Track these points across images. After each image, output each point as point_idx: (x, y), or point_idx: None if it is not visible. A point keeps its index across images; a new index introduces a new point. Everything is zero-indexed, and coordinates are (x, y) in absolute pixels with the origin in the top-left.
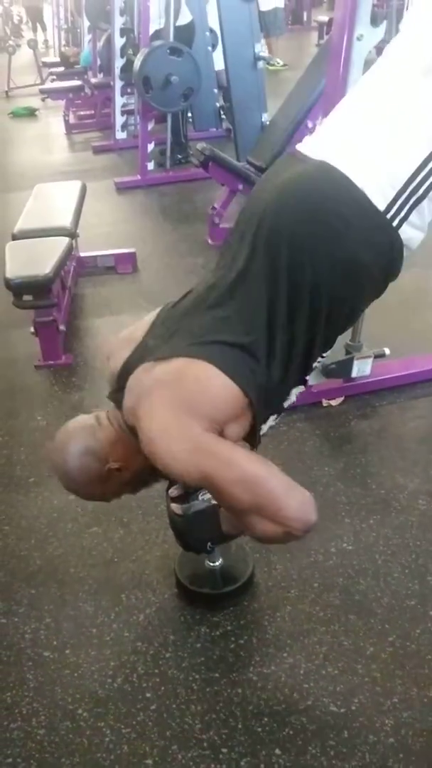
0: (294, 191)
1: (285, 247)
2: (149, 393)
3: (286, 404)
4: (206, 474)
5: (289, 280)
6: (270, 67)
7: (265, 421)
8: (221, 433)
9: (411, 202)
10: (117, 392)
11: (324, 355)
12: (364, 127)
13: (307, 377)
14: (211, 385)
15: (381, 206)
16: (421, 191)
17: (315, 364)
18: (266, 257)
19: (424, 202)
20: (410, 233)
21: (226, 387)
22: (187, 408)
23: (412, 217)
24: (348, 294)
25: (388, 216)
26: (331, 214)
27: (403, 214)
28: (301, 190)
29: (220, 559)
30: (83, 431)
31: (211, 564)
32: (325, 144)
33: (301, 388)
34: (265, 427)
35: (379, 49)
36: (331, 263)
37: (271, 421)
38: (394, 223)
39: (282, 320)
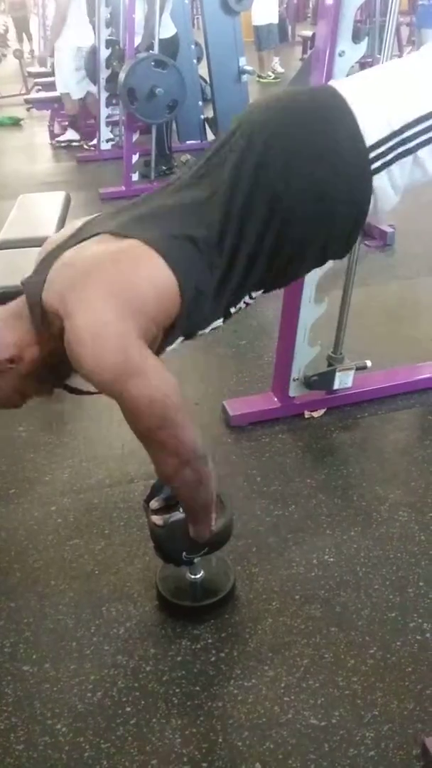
0: (288, 98)
1: (260, 143)
2: (87, 274)
3: (200, 332)
4: (126, 387)
5: (253, 178)
6: (261, 80)
7: (175, 339)
8: (144, 336)
9: (400, 149)
10: (35, 274)
11: (254, 295)
12: (376, 75)
13: (232, 310)
14: (156, 278)
15: (372, 139)
16: (413, 143)
17: (243, 303)
18: (240, 149)
19: (410, 158)
20: (385, 185)
21: (167, 280)
22: (127, 303)
23: (394, 167)
24: (303, 222)
25: (374, 154)
26: (316, 132)
27: (389, 158)
28: (295, 99)
29: (202, 572)
30: None
31: (193, 577)
32: (336, 80)
33: (219, 322)
34: (169, 348)
35: (361, 64)
36: (299, 178)
37: (176, 343)
38: (377, 164)
39: (234, 222)
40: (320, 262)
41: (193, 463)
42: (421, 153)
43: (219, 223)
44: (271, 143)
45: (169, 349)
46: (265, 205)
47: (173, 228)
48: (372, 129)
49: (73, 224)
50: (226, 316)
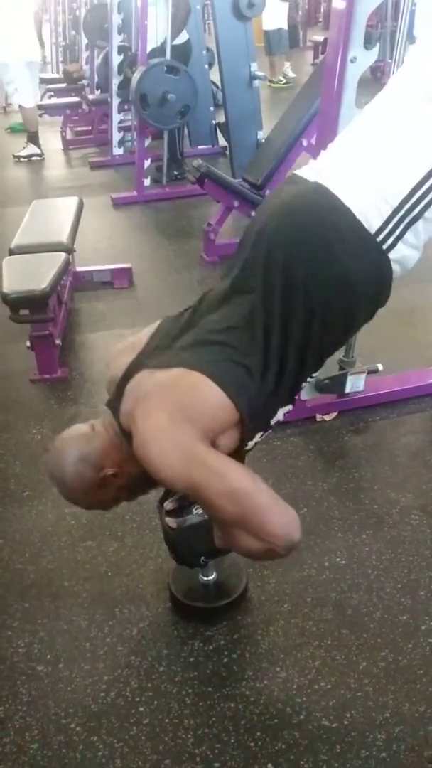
0: (288, 213)
1: (280, 264)
2: (147, 395)
3: (273, 422)
4: (195, 483)
5: (284, 298)
6: (272, 85)
7: (252, 437)
8: (212, 445)
9: (407, 220)
10: (115, 400)
11: (313, 375)
12: (361, 149)
13: (296, 396)
14: (207, 395)
15: (377, 224)
16: (417, 210)
17: (304, 384)
18: (262, 275)
19: (420, 222)
20: (405, 252)
21: (220, 400)
22: (183, 414)
23: (408, 235)
24: (339, 314)
25: (384, 233)
26: (321, 237)
27: (398, 232)
28: (295, 212)
29: (214, 574)
30: (78, 439)
31: (205, 578)
32: (321, 167)
33: (288, 407)
34: (251, 444)
35: (372, 69)
36: (323, 285)
37: (258, 437)
38: (390, 241)
39: (276, 336)
40: (370, 317)
41: (281, 550)
42: (429, 214)
43: (263, 343)
44: (289, 263)
45: (251, 444)
46: (300, 317)
47: (222, 355)
48: (373, 216)
49: (137, 342)
50: (292, 402)
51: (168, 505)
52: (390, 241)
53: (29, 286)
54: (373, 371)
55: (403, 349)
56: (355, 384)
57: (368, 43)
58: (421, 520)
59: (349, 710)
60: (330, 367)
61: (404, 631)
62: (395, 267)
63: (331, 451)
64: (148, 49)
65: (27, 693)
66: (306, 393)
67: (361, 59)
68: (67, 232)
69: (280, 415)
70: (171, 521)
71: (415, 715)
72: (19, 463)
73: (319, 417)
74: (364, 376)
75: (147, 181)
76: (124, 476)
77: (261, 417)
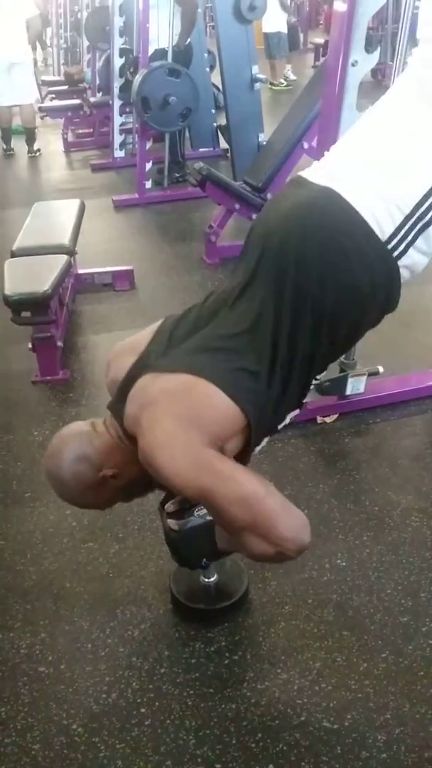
0: (299, 218)
1: (291, 270)
2: (154, 402)
3: (280, 426)
4: (205, 489)
5: (293, 304)
6: (274, 88)
7: (259, 442)
8: (220, 451)
9: (419, 226)
10: (117, 402)
11: (318, 377)
12: (370, 154)
13: (303, 400)
14: (214, 402)
15: (389, 230)
16: (429, 216)
17: (310, 387)
18: (272, 280)
19: (431, 228)
20: (416, 258)
21: (227, 407)
22: (191, 421)
23: (419, 242)
24: (348, 323)
25: (396, 240)
26: (335, 246)
27: (410, 238)
28: (307, 218)
29: (215, 575)
30: (78, 438)
31: (206, 580)
32: (330, 170)
33: (296, 411)
34: (257, 449)
35: (373, 71)
36: (333, 290)
37: (264, 442)
38: (401, 248)
39: (284, 342)
40: (377, 323)
41: (291, 554)
42: None
43: (270, 349)
44: (300, 270)
45: (257, 449)
46: (309, 324)
47: (229, 362)
48: (386, 223)
49: (137, 342)
50: (300, 407)
51: (169, 507)
52: (402, 247)
53: (31, 288)
54: (374, 373)
55: (404, 351)
56: (356, 386)
57: (369, 46)
58: (422, 522)
59: (350, 711)
60: (331, 370)
61: (405, 633)
62: (404, 273)
63: (331, 453)
64: (150, 51)
65: (29, 694)
66: (307, 395)
67: (362, 62)
68: (68, 234)
69: (287, 419)
70: (172, 523)
71: (415, 717)
72: (21, 464)
73: (319, 419)
74: (364, 378)
75: (148, 184)
76: (124, 478)
77: (269, 422)
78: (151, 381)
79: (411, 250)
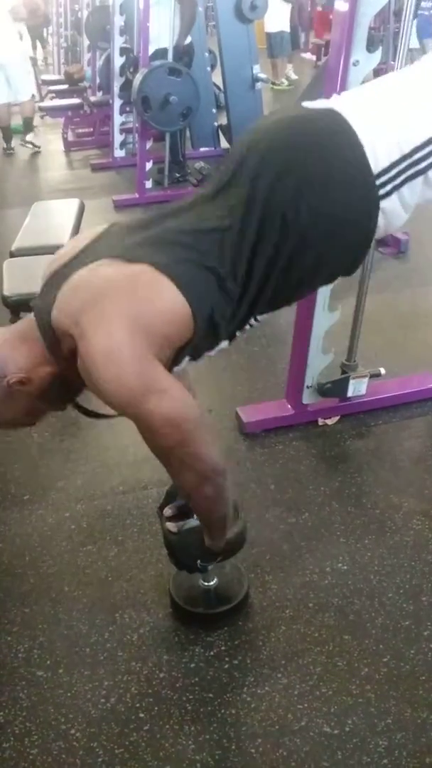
0: (293, 126)
1: (269, 175)
2: (101, 297)
3: (206, 353)
4: (141, 408)
5: (264, 209)
6: (275, 87)
7: (181, 361)
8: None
9: (411, 171)
10: (44, 295)
11: (260, 318)
12: (379, 94)
13: (237, 334)
14: (166, 299)
15: (383, 164)
16: (424, 164)
17: (248, 325)
18: (249, 181)
19: (420, 179)
20: (396, 206)
21: (178, 302)
22: (142, 324)
23: (405, 189)
24: (313, 247)
25: (385, 177)
26: (324, 157)
27: (399, 180)
28: (301, 128)
29: (215, 579)
30: None
31: (206, 584)
32: (336, 100)
33: (225, 344)
34: (178, 368)
35: (375, 71)
36: (308, 207)
37: (183, 364)
38: (388, 188)
39: (247, 250)
40: (329, 281)
41: (213, 479)
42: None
43: (233, 251)
44: (281, 174)
45: (176, 369)
46: (276, 232)
47: (187, 255)
48: (382, 154)
49: (80, 239)
50: (231, 338)
51: (168, 511)
52: (388, 187)
53: (30, 288)
54: (376, 375)
55: (406, 353)
56: (358, 388)
57: (371, 45)
58: (424, 525)
59: (351, 717)
60: (332, 371)
61: (406, 637)
62: (380, 221)
63: (333, 455)
64: (151, 50)
65: (27, 698)
66: (308, 397)
67: (363, 62)
68: (68, 234)
69: (214, 350)
70: (171, 525)
71: (417, 722)
72: (19, 466)
73: (321, 421)
74: (366, 379)
75: (148, 184)
76: (35, 383)
77: (204, 342)
78: (94, 271)
79: (395, 195)
